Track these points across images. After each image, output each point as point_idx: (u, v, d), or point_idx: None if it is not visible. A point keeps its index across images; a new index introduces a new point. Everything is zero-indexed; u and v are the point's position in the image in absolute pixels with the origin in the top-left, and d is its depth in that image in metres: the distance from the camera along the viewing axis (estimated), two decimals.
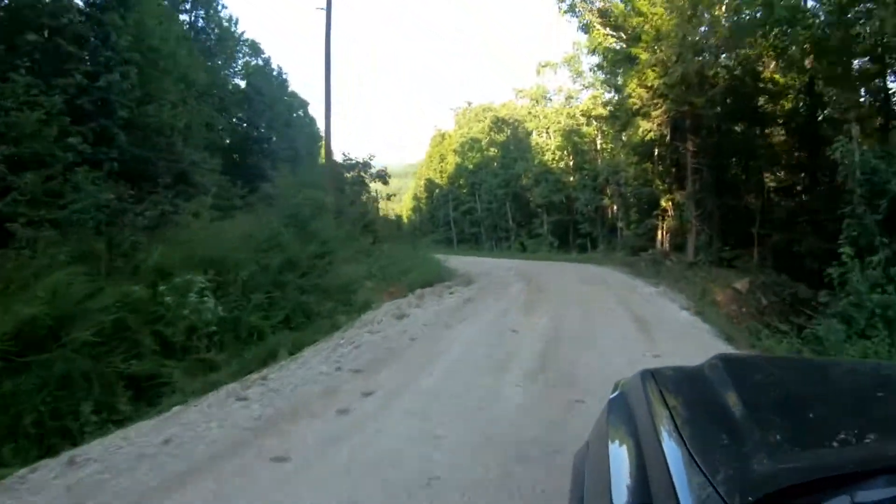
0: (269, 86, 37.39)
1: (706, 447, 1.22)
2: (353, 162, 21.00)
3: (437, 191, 58.83)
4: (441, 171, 57.21)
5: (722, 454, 1.20)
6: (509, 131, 43.69)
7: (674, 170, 20.97)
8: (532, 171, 38.30)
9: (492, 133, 44.99)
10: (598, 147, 35.76)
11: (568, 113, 37.07)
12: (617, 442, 1.52)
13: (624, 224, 30.84)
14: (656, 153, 25.75)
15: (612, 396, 1.85)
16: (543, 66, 39.06)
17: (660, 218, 26.63)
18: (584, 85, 36.25)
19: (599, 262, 22.86)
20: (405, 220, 78.25)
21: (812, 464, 1.09)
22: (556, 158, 38.04)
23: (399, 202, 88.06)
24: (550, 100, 39.11)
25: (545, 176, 37.14)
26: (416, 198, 75.58)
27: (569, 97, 37.91)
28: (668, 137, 15.87)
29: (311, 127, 50.11)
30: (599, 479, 1.42)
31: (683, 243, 23.98)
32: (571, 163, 37.55)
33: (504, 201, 42.28)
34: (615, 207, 34.56)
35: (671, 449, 1.21)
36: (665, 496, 1.07)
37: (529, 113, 40.41)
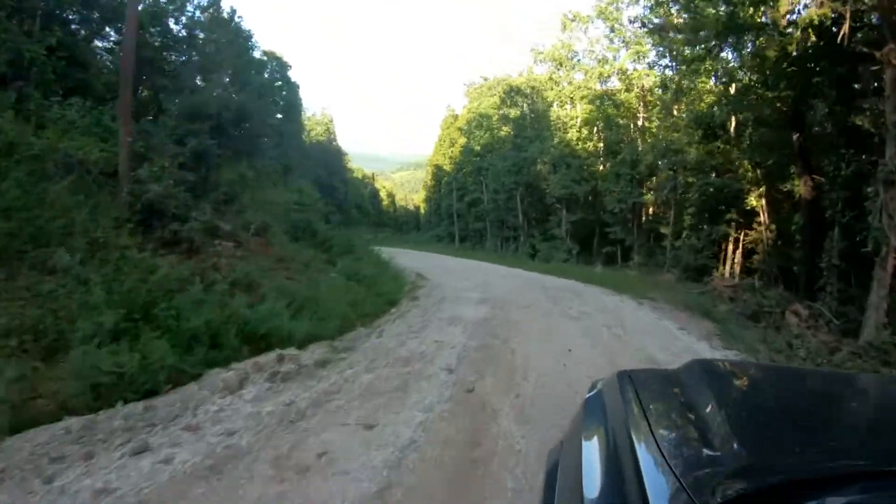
0: (222, 33, 29.20)
1: (679, 449, 1.23)
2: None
3: (444, 178, 50.10)
4: (451, 156, 48.48)
5: (694, 457, 1.21)
6: (525, 105, 34.45)
7: (797, 137, 11.67)
8: (550, 154, 29.05)
9: (504, 107, 35.74)
10: (640, 123, 26.53)
11: (601, 73, 27.73)
12: (590, 441, 1.48)
13: (672, 231, 21.72)
14: (734, 131, 16.55)
15: (588, 395, 1.82)
16: (571, 20, 29.82)
17: (733, 226, 17.52)
18: (624, 41, 27.10)
19: (641, 290, 13.87)
20: (422, 211, 69.62)
21: (783, 469, 1.08)
22: (582, 137, 28.80)
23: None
24: (579, 61, 29.82)
25: (566, 160, 27.89)
26: (425, 186, 66.88)
27: (602, 61, 28.60)
28: (842, 35, 6.68)
29: (291, 95, 41.59)
30: (571, 477, 1.41)
31: (773, 272, 14.91)
32: (601, 145, 28.38)
33: (514, 192, 33.16)
34: (650, 208, 25.43)
35: (644, 450, 1.19)
36: (636, 497, 1.05)
37: (551, 79, 31.26)
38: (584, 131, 29.00)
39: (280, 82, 40.02)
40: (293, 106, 41.85)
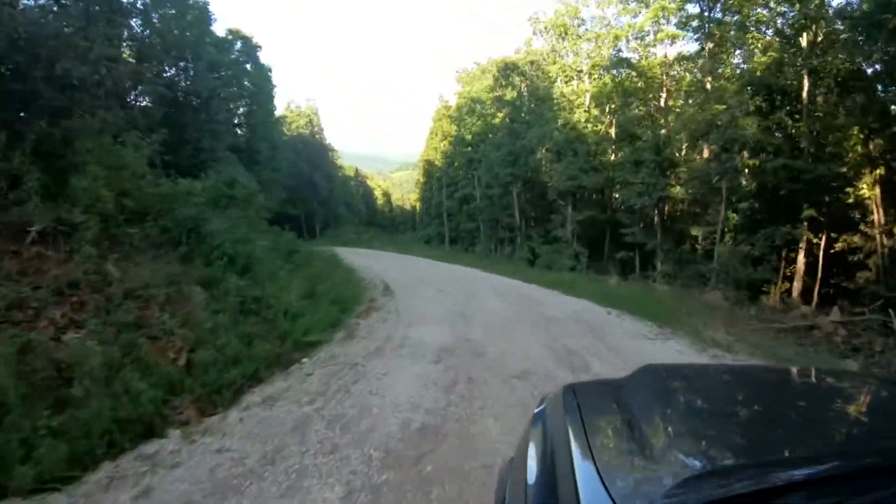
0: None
1: (616, 466, 1.21)
2: None
3: (436, 174, 45.24)
4: (443, 150, 43.80)
5: (631, 474, 1.18)
6: (524, 86, 29.43)
7: None
8: (553, 139, 24.03)
9: (499, 88, 30.67)
10: (664, 100, 21.65)
11: (616, 36, 22.75)
12: (534, 458, 1.45)
13: (705, 232, 16.92)
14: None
15: (535, 411, 1.76)
16: None
17: (809, 228, 12.65)
18: (642, 1, 22.14)
19: (691, 321, 9.12)
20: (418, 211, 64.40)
21: (719, 485, 1.00)
22: (591, 118, 23.85)
23: None
24: (587, 30, 24.83)
25: (572, 145, 22.94)
26: (418, 184, 61.90)
27: (614, 29, 23.62)
28: None
29: (261, 79, 36.42)
30: (518, 495, 1.36)
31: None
32: (613, 129, 23.46)
33: (510, 186, 28.23)
34: (676, 204, 20.67)
35: (582, 467, 1.17)
36: None
37: (553, 50, 26.34)
38: (595, 111, 24.06)
39: (249, 64, 35.04)
40: (263, 91, 36.85)
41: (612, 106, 23.11)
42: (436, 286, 14.19)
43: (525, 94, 28.83)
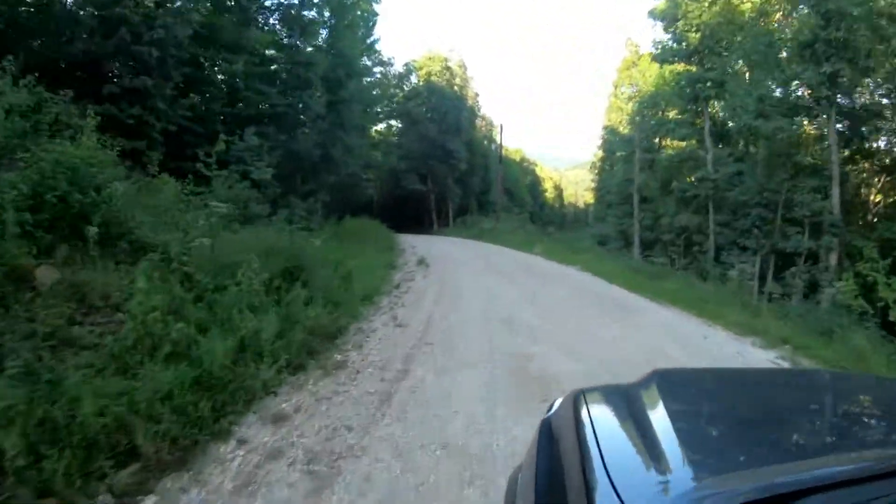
0: None
1: (629, 472, 1.16)
2: None
3: (622, 138, 28.61)
4: (633, 105, 28.08)
5: (645, 480, 1.13)
6: None
7: None
8: None
9: None
10: None
11: None
12: (544, 464, 1.40)
13: None
14: None
15: (543, 417, 1.65)
16: None
17: None
18: None
19: None
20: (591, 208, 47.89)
21: (737, 489, 0.98)
22: None
23: None
24: None
25: None
26: (593, 167, 45.51)
27: None
28: None
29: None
30: (528, 502, 1.35)
31: None
32: None
33: (817, 116, 11.25)
34: None
35: (594, 472, 1.13)
36: None
37: None
38: None
39: None
40: (355, 19, 22.48)
41: None
42: None
43: None
